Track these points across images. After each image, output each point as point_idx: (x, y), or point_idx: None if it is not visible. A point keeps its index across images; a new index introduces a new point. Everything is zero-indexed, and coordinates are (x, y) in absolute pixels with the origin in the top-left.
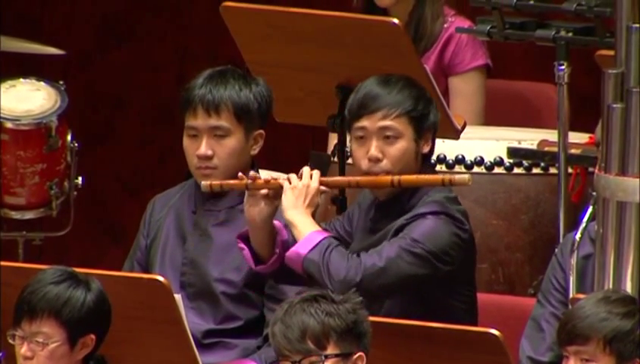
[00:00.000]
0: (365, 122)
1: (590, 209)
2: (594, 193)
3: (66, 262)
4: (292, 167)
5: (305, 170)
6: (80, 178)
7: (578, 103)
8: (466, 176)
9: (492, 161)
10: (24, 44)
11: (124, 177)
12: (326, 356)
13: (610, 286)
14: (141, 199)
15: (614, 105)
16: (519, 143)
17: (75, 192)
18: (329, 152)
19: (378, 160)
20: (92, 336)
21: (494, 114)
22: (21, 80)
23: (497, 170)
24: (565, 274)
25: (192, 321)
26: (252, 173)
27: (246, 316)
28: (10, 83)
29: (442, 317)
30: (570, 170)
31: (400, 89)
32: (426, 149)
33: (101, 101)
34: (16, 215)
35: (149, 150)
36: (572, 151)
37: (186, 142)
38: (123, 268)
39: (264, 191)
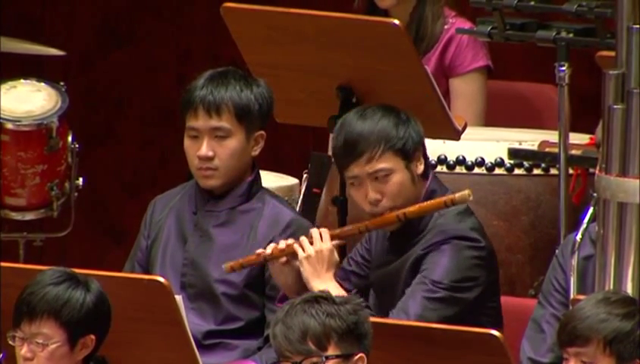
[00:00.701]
0: (354, 170)
1: (590, 210)
2: (595, 194)
3: (66, 263)
4: (293, 167)
5: (314, 234)
6: (81, 179)
7: (579, 104)
8: (466, 192)
9: (493, 162)
10: (25, 45)
11: (125, 178)
12: (327, 357)
13: (611, 287)
14: (141, 200)
15: (615, 106)
16: (520, 144)
17: (76, 194)
18: (329, 153)
19: (377, 201)
20: (92, 337)
21: (495, 115)
22: (22, 80)
23: (497, 171)
24: (565, 275)
25: (192, 321)
26: (259, 250)
27: (246, 317)
28: (10, 83)
29: None
30: (571, 171)
31: (376, 120)
32: (421, 168)
33: (102, 102)
34: (16, 216)
35: (149, 151)
36: (573, 152)
37: (187, 143)
38: (123, 269)
39: (282, 260)
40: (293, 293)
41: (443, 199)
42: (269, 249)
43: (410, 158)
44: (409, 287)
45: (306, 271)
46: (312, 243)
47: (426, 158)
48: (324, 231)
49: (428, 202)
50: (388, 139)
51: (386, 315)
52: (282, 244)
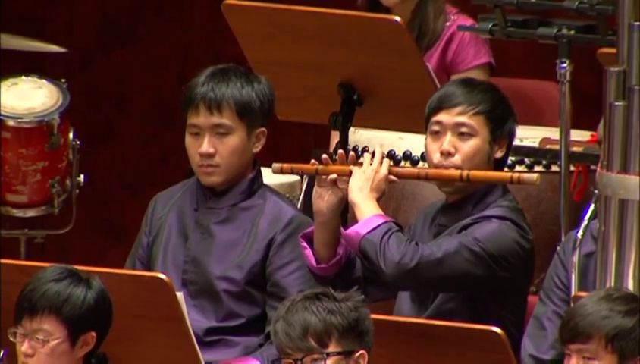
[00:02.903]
0: (442, 116)
1: (592, 207)
2: (596, 191)
3: (68, 259)
4: None
5: (377, 154)
6: (82, 176)
7: (580, 101)
8: (534, 175)
9: None
10: (26, 42)
11: (126, 175)
12: (328, 354)
13: (612, 284)
14: (142, 197)
15: (616, 103)
16: (521, 141)
17: (77, 191)
18: (331, 149)
19: (449, 154)
20: (93, 333)
21: None
22: (23, 77)
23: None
24: (567, 272)
25: (194, 318)
26: (324, 156)
27: (247, 314)
28: (12, 80)
29: (490, 324)
30: (572, 168)
31: (481, 90)
32: (499, 155)
33: (103, 99)
34: (18, 213)
35: (150, 149)
36: (574, 149)
37: (188, 140)
38: (124, 266)
39: (332, 176)
40: (323, 225)
41: (511, 173)
42: (326, 162)
43: (496, 137)
44: None
45: (354, 181)
46: (371, 164)
47: (508, 152)
48: (387, 160)
49: (495, 172)
50: (486, 107)
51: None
52: (339, 160)
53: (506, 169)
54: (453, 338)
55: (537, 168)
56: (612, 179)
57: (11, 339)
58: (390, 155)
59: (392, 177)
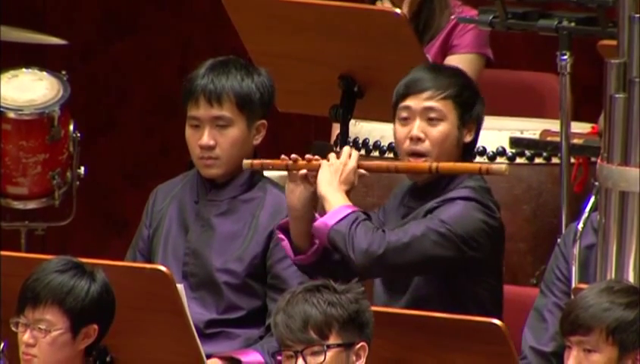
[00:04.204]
0: (410, 101)
1: (592, 199)
2: (597, 183)
3: (68, 251)
4: None
5: (346, 148)
6: (83, 168)
7: (581, 93)
8: (503, 166)
9: (494, 151)
10: (27, 34)
11: (126, 167)
12: (328, 346)
13: (613, 276)
14: (143, 189)
15: (617, 95)
16: (522, 133)
17: (77, 183)
18: (331, 141)
19: (419, 140)
20: (95, 326)
21: (497, 104)
22: (24, 69)
23: (499, 160)
24: (568, 264)
25: (194, 311)
26: (293, 155)
27: (248, 306)
28: (12, 72)
29: (467, 304)
30: (573, 160)
31: (448, 75)
32: (468, 139)
33: (104, 91)
34: (18, 205)
35: (151, 141)
36: (575, 141)
37: (189, 132)
38: (125, 258)
39: (303, 172)
40: (297, 218)
41: (479, 164)
42: (295, 160)
43: (465, 121)
44: None
45: (322, 174)
46: (338, 158)
47: (477, 136)
48: (355, 152)
49: (463, 164)
50: (454, 91)
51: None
52: (308, 156)
53: (476, 160)
54: (453, 330)
55: (537, 160)
56: (612, 171)
57: (13, 329)
58: (391, 148)
59: (361, 171)
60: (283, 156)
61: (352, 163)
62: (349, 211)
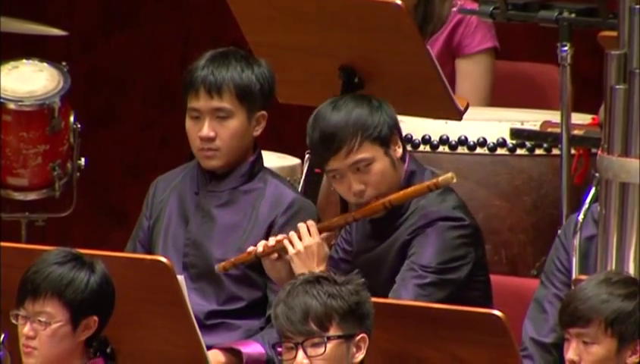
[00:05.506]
0: (334, 164)
1: (593, 190)
2: (597, 174)
3: (69, 243)
4: (295, 148)
5: (302, 229)
6: (83, 159)
7: (581, 84)
8: (449, 175)
9: (495, 142)
10: (27, 25)
11: (127, 159)
12: (328, 338)
13: (613, 267)
14: (143, 180)
15: (617, 87)
16: (522, 124)
17: (78, 174)
18: None
19: (362, 192)
20: (95, 318)
21: (497, 95)
22: (24, 61)
23: (499, 151)
24: (568, 255)
25: (194, 302)
26: (250, 248)
27: (248, 297)
28: (13, 64)
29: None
30: (573, 151)
31: (350, 112)
32: (399, 151)
33: (104, 83)
34: (18, 196)
35: (151, 132)
36: (575, 132)
37: (189, 123)
38: (125, 249)
39: (274, 256)
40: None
41: (427, 183)
42: (260, 247)
43: (388, 143)
44: (398, 273)
45: (297, 267)
46: (300, 239)
47: (402, 139)
48: (312, 225)
49: (413, 188)
50: (365, 129)
51: None
52: (272, 241)
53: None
54: (453, 322)
55: (538, 151)
56: (613, 162)
57: (13, 321)
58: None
59: (326, 234)
60: (250, 248)
61: (315, 239)
62: None
